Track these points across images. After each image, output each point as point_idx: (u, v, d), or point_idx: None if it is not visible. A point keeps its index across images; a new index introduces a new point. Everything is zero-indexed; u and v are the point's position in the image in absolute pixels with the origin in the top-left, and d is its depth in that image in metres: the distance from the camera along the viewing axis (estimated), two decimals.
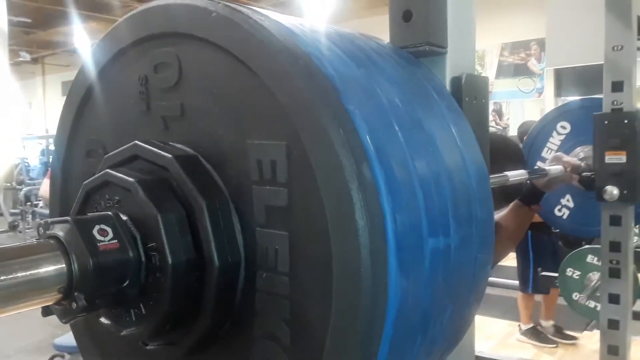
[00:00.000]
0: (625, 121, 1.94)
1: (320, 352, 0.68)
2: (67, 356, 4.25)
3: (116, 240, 0.71)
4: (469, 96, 1.01)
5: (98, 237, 0.70)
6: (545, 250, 4.25)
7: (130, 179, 0.75)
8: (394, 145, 0.73)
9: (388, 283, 0.67)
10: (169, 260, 0.71)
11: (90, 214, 0.76)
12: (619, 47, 1.98)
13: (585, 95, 2.72)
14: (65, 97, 1.00)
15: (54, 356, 4.29)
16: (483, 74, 2.29)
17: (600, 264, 3.06)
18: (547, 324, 4.54)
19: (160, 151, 0.78)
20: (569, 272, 2.94)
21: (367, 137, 0.69)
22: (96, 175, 0.80)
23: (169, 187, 0.76)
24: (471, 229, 0.83)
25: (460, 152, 0.85)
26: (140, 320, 0.75)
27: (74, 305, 0.68)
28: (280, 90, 0.70)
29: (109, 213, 0.74)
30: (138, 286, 0.73)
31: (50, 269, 0.68)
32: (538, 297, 4.58)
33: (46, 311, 0.74)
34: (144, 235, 0.73)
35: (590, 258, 2.94)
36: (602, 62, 2.05)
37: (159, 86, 0.84)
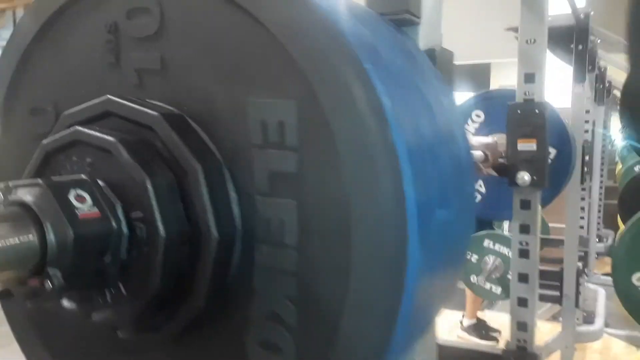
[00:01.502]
0: (536, 111, 2.04)
1: (333, 332, 0.63)
2: None
3: (96, 209, 0.60)
4: (441, 69, 0.99)
5: (76, 204, 0.59)
6: None
7: (111, 139, 0.64)
8: (407, 111, 0.69)
9: (408, 255, 0.62)
10: (161, 232, 0.61)
11: (61, 177, 0.64)
12: (532, 40, 2.07)
13: (472, 91, 2.86)
14: None
15: None
16: None
17: (495, 248, 3.24)
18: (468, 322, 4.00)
19: (143, 108, 0.67)
20: (467, 255, 3.10)
21: (386, 98, 0.64)
22: (61, 134, 0.68)
23: (154, 149, 0.66)
24: (463, 200, 0.81)
25: (451, 124, 0.83)
26: (117, 302, 0.64)
27: (47, 284, 0.56)
28: (295, 45, 0.62)
29: (84, 177, 0.63)
30: (118, 262, 0.62)
31: (18, 241, 0.55)
32: None
33: (1, 295, 0.62)
34: (125, 203, 0.63)
35: (486, 242, 3.11)
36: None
37: (133, 35, 0.73)
